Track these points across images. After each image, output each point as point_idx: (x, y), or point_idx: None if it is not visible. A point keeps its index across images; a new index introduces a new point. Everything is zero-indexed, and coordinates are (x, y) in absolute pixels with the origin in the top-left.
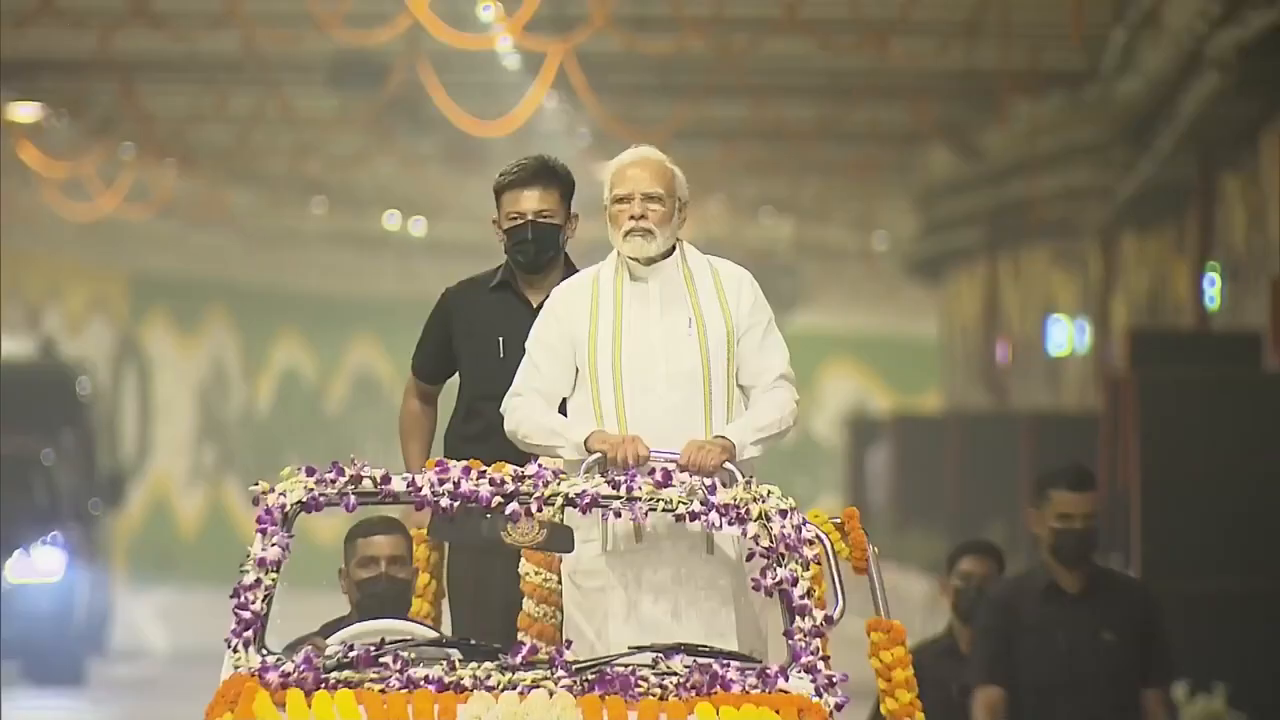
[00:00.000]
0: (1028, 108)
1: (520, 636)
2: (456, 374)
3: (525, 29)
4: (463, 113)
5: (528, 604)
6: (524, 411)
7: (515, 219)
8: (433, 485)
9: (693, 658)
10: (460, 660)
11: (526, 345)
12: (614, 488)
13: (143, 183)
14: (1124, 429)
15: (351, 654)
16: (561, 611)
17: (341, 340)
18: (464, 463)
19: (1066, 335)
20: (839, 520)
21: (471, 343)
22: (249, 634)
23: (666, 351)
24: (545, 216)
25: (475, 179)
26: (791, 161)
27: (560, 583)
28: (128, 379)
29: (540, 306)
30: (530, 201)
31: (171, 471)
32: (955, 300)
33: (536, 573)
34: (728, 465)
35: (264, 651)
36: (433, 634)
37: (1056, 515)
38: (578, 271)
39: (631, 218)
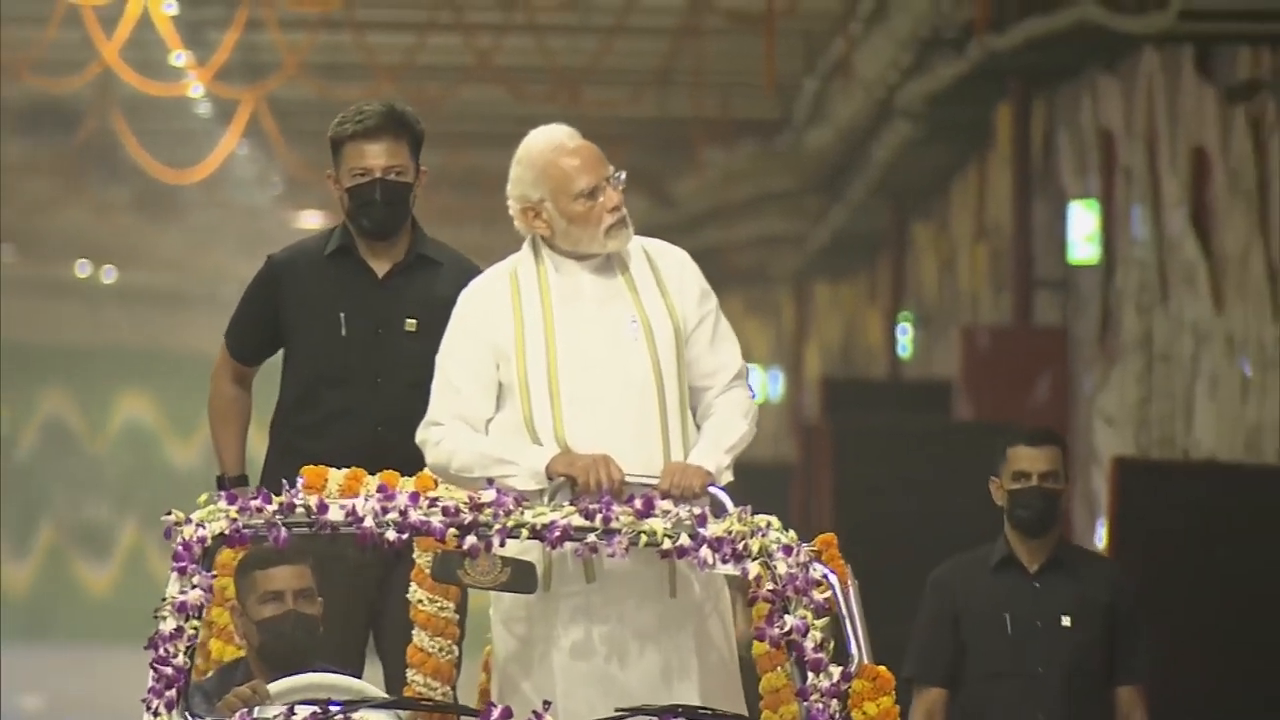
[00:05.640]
0: (720, 156)
1: (410, 674)
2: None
3: (217, 76)
4: (154, 160)
5: (420, 636)
6: (453, 442)
7: (360, 175)
8: (376, 515)
9: None
10: None
11: (438, 361)
12: (587, 518)
13: None
14: (818, 477)
15: (294, 717)
16: (459, 646)
17: (31, 389)
18: (409, 490)
19: (760, 384)
20: (815, 549)
21: (306, 318)
22: (172, 693)
23: (609, 358)
24: (395, 173)
25: (167, 227)
26: (484, 210)
27: (458, 612)
28: None
29: (388, 276)
30: (377, 156)
31: None
32: None
33: (432, 600)
34: (712, 490)
35: (190, 714)
36: (380, 693)
37: (1012, 474)
38: (427, 236)
39: (613, 209)
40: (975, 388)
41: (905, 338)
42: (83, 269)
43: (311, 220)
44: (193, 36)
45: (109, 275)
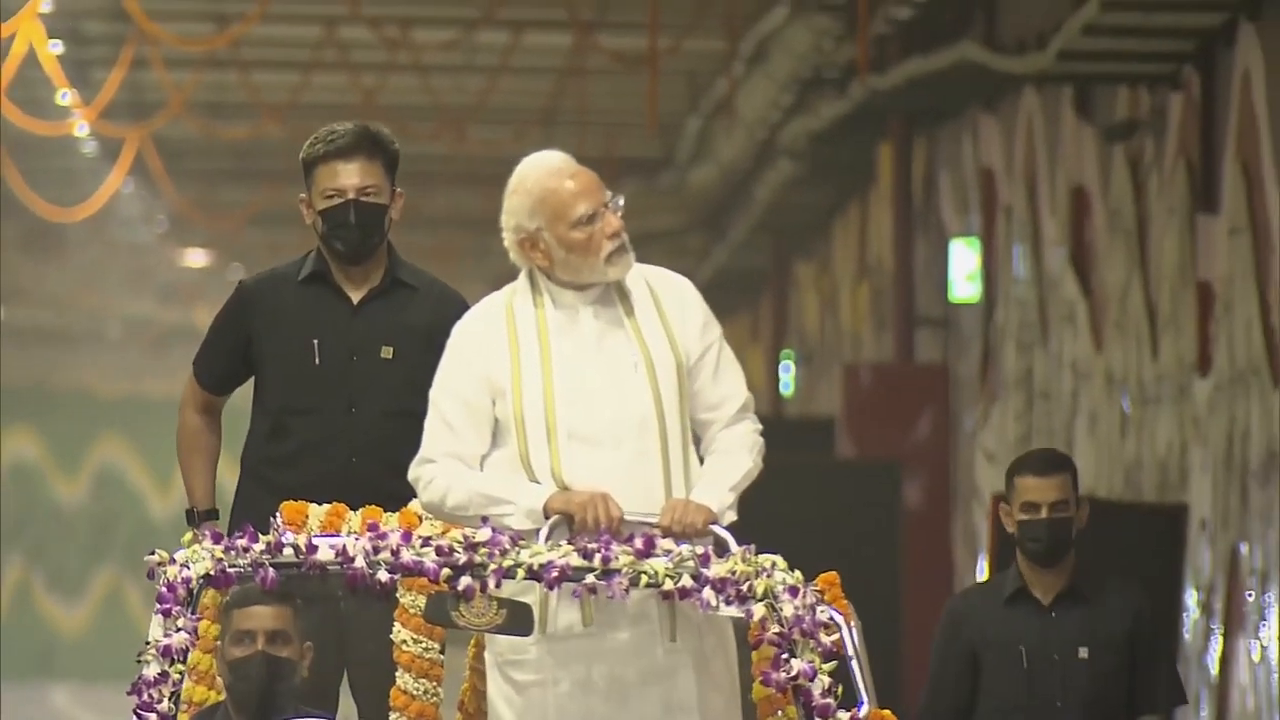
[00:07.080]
0: None
1: (394, 717)
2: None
3: (102, 115)
4: (40, 198)
5: (404, 678)
6: (447, 480)
7: (333, 197)
8: (367, 554)
9: None
10: None
11: (432, 396)
12: (586, 558)
13: None
14: None
15: None
16: (441, 687)
17: None
18: (395, 527)
19: None
20: (818, 589)
21: (278, 346)
22: None
23: (609, 395)
24: (369, 194)
25: (52, 264)
26: None
27: (443, 652)
28: None
29: (363, 302)
30: (350, 176)
31: None
32: None
33: (416, 640)
34: (714, 528)
35: None
36: None
37: (1021, 505)
38: (403, 261)
39: (613, 235)
40: (857, 425)
41: (788, 375)
42: None
43: (196, 258)
44: (78, 75)
45: None
